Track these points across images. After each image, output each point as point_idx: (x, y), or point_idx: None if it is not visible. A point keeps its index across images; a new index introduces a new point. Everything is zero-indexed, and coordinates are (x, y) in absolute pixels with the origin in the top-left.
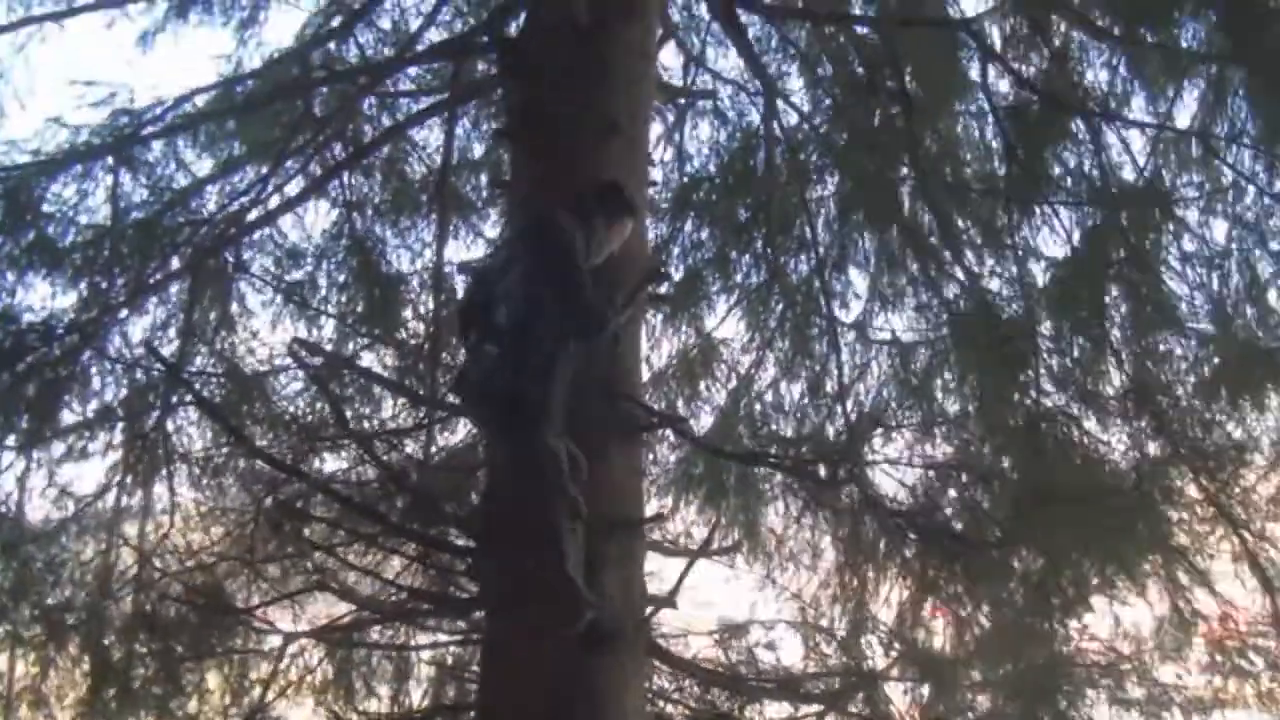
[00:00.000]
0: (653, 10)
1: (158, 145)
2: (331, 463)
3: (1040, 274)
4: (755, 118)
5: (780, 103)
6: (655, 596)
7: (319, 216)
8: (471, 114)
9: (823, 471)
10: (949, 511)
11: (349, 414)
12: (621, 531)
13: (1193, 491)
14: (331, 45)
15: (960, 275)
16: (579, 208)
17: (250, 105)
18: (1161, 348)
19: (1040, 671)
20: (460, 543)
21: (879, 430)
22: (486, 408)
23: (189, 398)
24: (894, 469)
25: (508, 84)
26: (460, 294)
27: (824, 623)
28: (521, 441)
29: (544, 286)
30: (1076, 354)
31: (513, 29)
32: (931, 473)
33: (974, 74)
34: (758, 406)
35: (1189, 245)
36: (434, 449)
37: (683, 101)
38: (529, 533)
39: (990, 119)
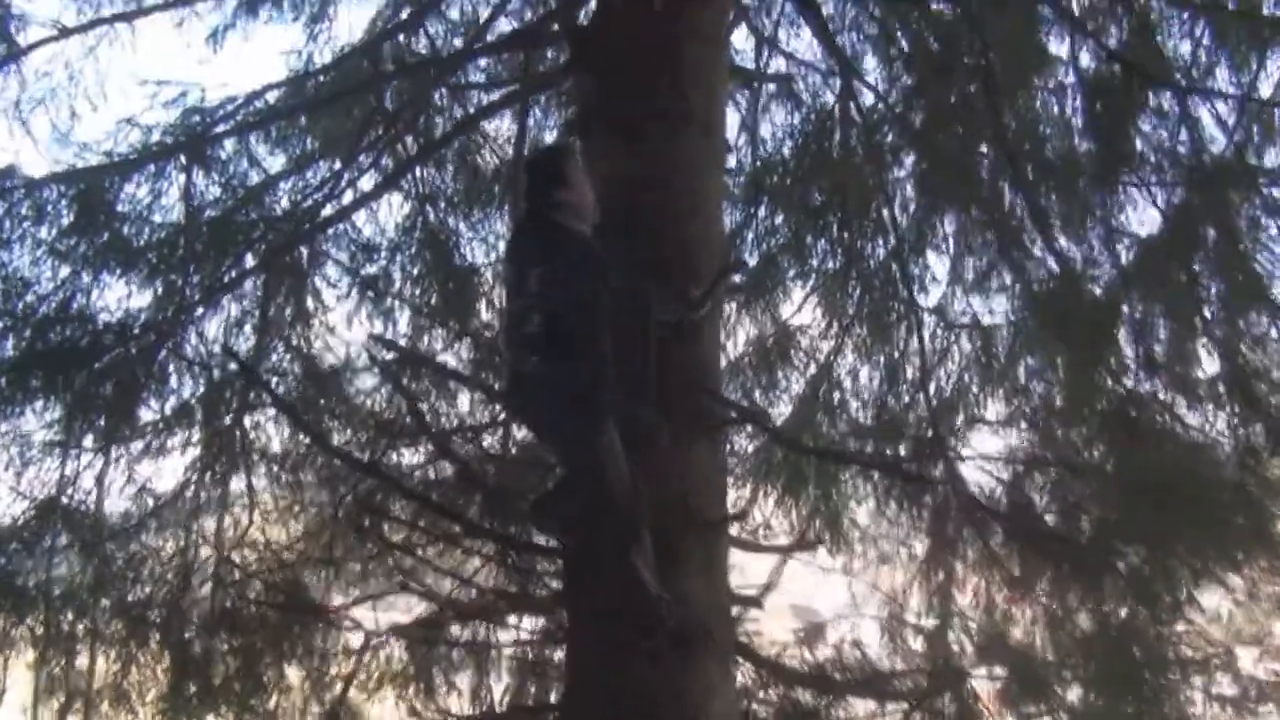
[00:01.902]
0: None
1: (230, 143)
2: (410, 458)
3: (1125, 254)
4: (830, 99)
5: (856, 83)
6: (741, 596)
7: (392, 210)
8: (543, 103)
9: (911, 468)
10: (1040, 505)
11: (425, 409)
12: (704, 530)
13: None
14: (401, 38)
15: (1043, 255)
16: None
17: (322, 100)
18: (1256, 330)
19: (1138, 667)
20: (540, 542)
21: (963, 422)
22: (537, 416)
23: (265, 397)
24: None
25: (579, 75)
26: None
27: (909, 618)
28: (577, 447)
29: (568, 288)
30: (1165, 336)
31: (583, 17)
32: (1020, 466)
33: (1054, 48)
34: (836, 395)
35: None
36: (511, 443)
37: (755, 85)
38: (604, 533)
39: (1072, 94)
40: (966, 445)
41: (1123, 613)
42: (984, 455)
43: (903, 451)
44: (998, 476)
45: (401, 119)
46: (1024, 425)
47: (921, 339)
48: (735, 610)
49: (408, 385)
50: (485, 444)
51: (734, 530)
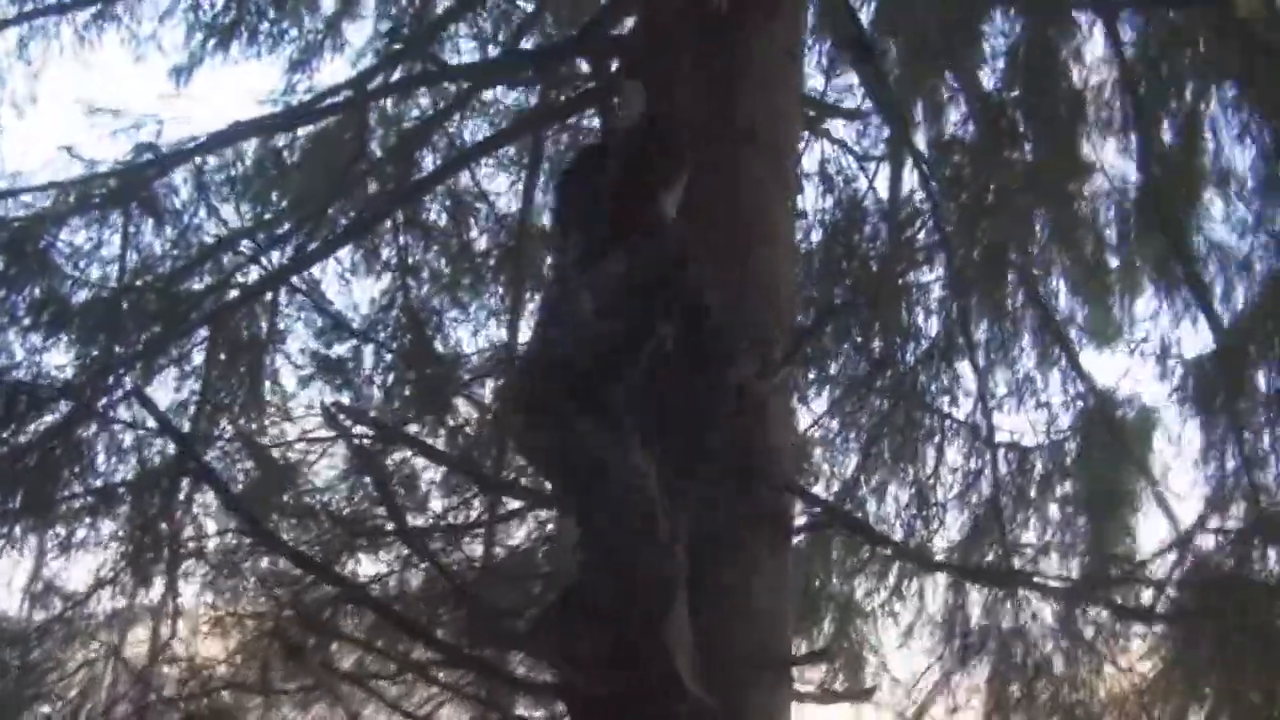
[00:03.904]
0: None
1: (185, 189)
2: (369, 567)
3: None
4: (862, 184)
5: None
6: None
7: (368, 282)
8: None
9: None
10: None
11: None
12: (766, 673)
13: None
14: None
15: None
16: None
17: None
18: None
19: None
20: (540, 678)
21: None
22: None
23: (200, 480)
24: None
25: (612, 95)
26: None
27: None
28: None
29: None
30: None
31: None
32: None
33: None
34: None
35: None
36: (499, 548)
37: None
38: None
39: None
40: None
41: None
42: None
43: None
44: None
45: (390, 166)
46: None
47: (995, 455)
48: None
49: (378, 464)
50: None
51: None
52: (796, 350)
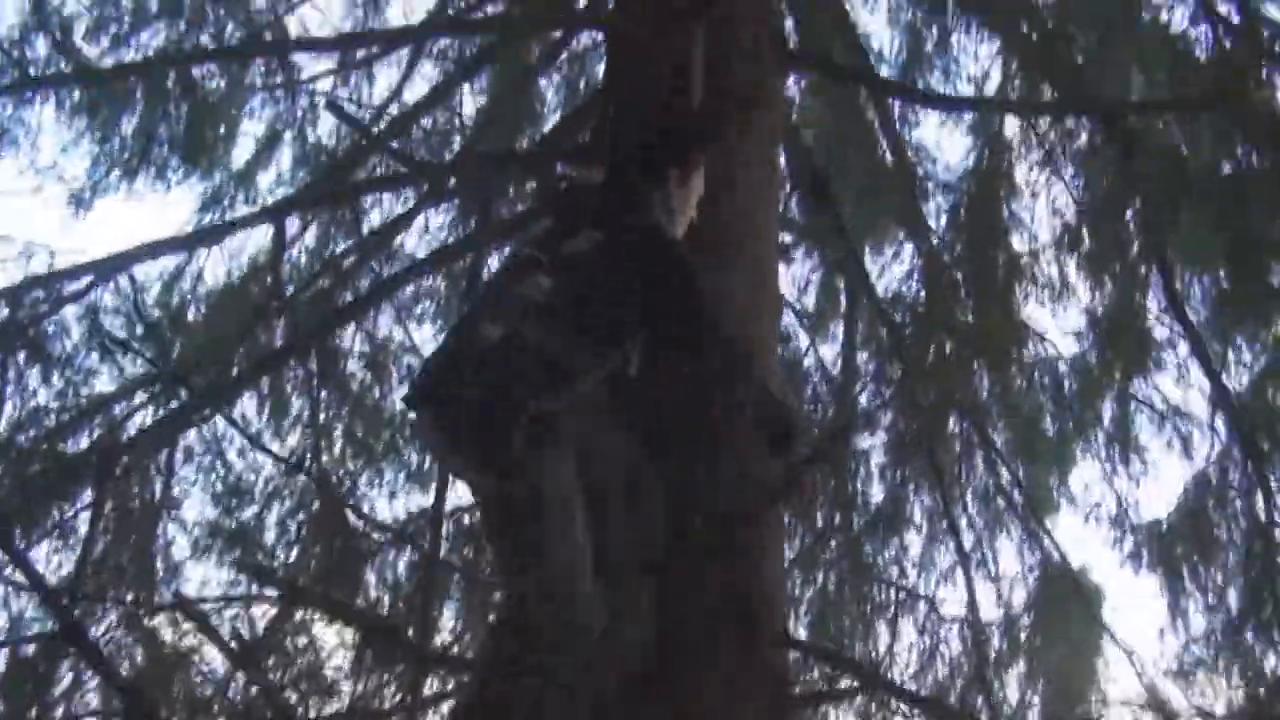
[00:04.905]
0: (779, 105)
1: (77, 329)
2: None
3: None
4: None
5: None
6: None
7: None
8: None
9: None
10: None
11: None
12: None
13: None
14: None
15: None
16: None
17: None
18: None
19: None
20: None
21: None
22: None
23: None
24: None
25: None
26: None
27: None
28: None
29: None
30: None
31: None
32: None
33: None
34: None
35: None
36: None
37: None
38: None
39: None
40: None
41: None
42: None
43: None
44: None
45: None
46: None
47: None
48: None
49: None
50: None
51: None
52: (790, 484)
